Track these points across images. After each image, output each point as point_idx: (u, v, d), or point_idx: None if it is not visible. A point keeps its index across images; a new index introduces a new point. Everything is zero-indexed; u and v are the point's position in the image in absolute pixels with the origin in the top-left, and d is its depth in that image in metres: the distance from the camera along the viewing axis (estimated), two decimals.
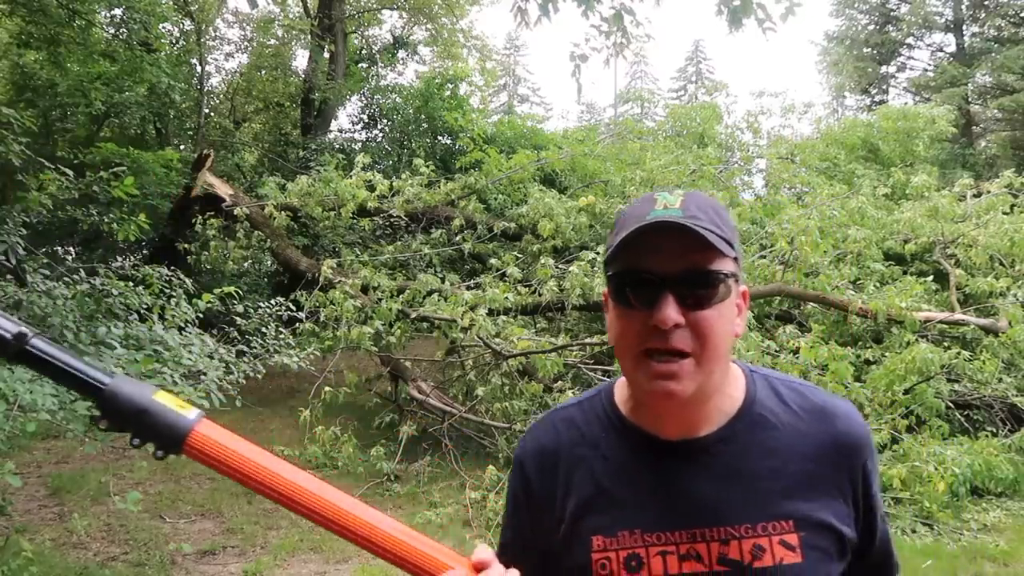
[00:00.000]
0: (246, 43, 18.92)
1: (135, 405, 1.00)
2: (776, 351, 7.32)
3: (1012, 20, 26.97)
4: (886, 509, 6.06)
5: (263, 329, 6.91)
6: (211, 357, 5.19)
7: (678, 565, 1.12)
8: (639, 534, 1.14)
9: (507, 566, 1.09)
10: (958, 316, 8.39)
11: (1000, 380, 7.68)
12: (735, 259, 1.12)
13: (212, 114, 17.90)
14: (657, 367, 1.07)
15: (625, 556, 1.14)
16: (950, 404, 7.48)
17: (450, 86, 16.89)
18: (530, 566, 1.15)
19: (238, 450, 1.05)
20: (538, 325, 9.44)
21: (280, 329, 7.13)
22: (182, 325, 5.59)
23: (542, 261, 8.31)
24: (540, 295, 8.19)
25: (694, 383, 1.09)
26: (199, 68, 17.11)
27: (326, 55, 16.85)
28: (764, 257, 9.28)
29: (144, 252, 12.66)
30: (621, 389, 1.25)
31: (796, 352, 7.29)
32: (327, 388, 7.39)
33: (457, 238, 9.77)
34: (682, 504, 1.15)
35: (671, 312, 1.05)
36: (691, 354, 1.07)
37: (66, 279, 5.61)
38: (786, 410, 1.21)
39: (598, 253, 8.06)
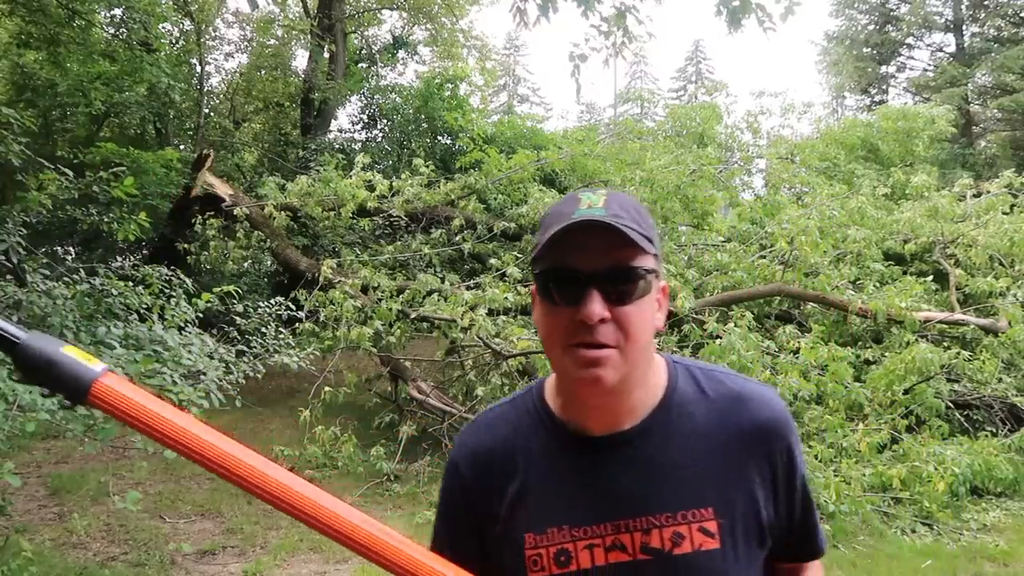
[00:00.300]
0: (246, 43, 18.93)
1: (45, 357, 1.04)
2: (776, 351, 7.33)
3: (1012, 20, 26.98)
4: (886, 508, 6.09)
5: (263, 329, 6.90)
6: (211, 357, 5.19)
7: (604, 556, 1.17)
8: (567, 529, 1.19)
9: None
10: (958, 316, 8.39)
11: (1000, 380, 7.68)
12: (655, 256, 1.16)
13: (212, 114, 17.89)
14: (584, 354, 1.11)
15: (555, 552, 1.18)
16: (950, 404, 7.48)
17: (450, 86, 16.89)
18: (463, 565, 1.16)
19: (141, 401, 1.07)
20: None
21: (280, 329, 7.13)
22: (182, 325, 5.59)
23: None
24: None
25: (619, 373, 1.13)
26: (199, 68, 17.11)
27: (326, 55, 16.84)
28: (764, 257, 9.29)
29: (144, 252, 12.65)
30: (550, 387, 1.29)
31: (796, 352, 7.29)
32: (327, 388, 7.39)
33: (457, 238, 9.76)
34: (607, 498, 1.19)
35: (597, 307, 1.09)
36: (615, 347, 1.12)
37: (66, 279, 5.61)
38: (705, 398, 1.24)
39: None
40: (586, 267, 1.11)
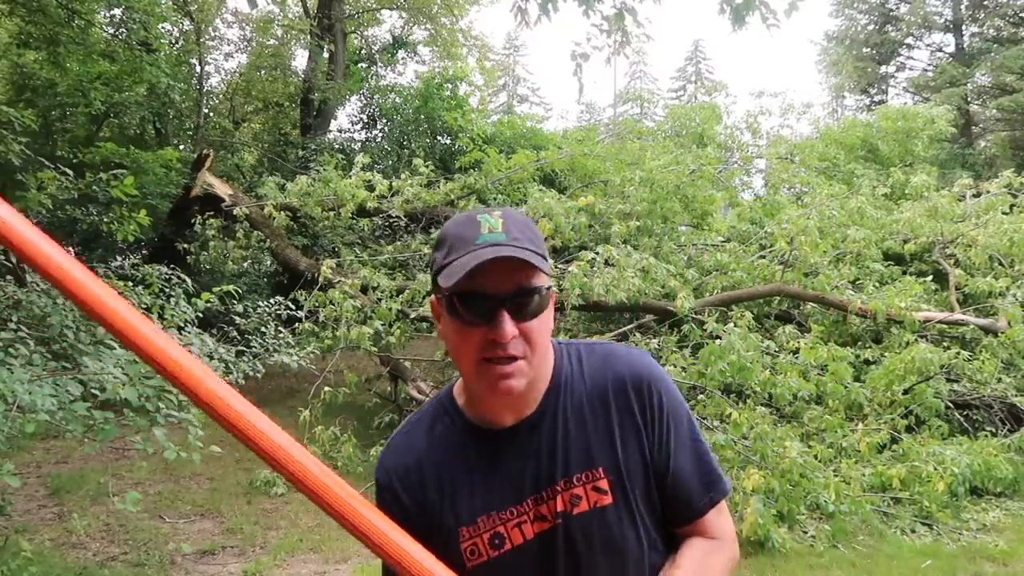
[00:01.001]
0: (245, 43, 18.93)
1: None
2: (776, 351, 7.33)
3: (1011, 20, 26.98)
4: (885, 508, 6.09)
5: (262, 329, 6.91)
6: (211, 357, 5.19)
7: (532, 530, 1.31)
8: (495, 515, 1.32)
9: None
10: (957, 316, 8.39)
11: (999, 380, 7.68)
12: (547, 272, 1.28)
13: (211, 114, 17.89)
14: (498, 369, 1.23)
15: (488, 537, 1.31)
16: (949, 404, 7.47)
17: (449, 86, 16.89)
18: None
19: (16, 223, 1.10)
20: None
21: (279, 328, 7.13)
22: (181, 325, 5.59)
23: None
24: None
25: (526, 379, 1.27)
26: (198, 68, 17.11)
27: (325, 55, 16.84)
28: (764, 257, 9.29)
29: (143, 252, 12.65)
30: (460, 392, 1.42)
31: (796, 352, 7.29)
32: (327, 388, 7.39)
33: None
34: (522, 478, 1.32)
35: (508, 327, 1.22)
36: (523, 358, 1.25)
37: None
38: (582, 370, 1.39)
39: (597, 253, 8.05)
40: (495, 291, 1.22)
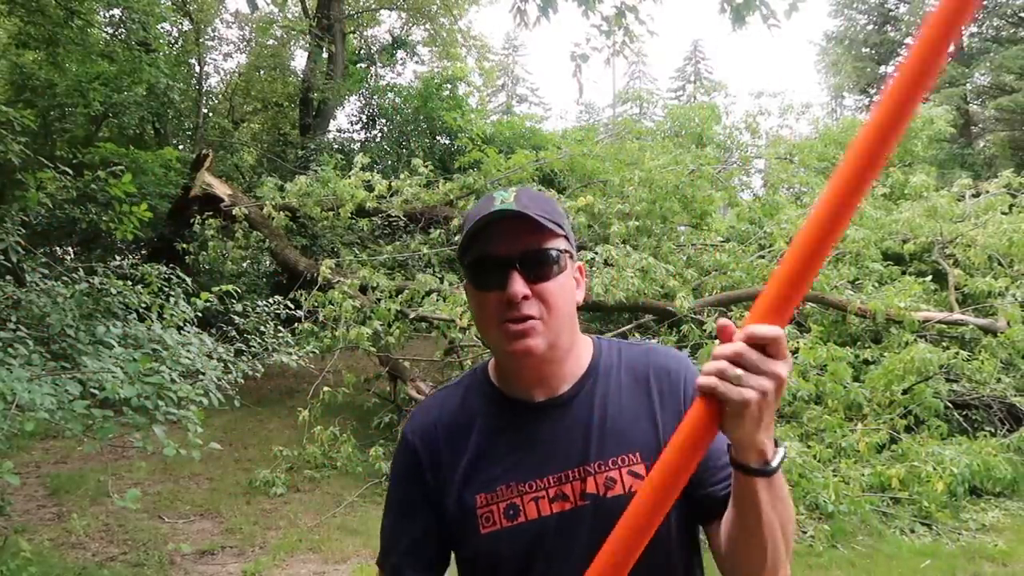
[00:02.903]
0: (245, 43, 18.93)
1: None
2: None
3: (1011, 20, 26.99)
4: (885, 508, 6.09)
5: (262, 328, 6.90)
6: (210, 356, 5.19)
7: (549, 507, 1.31)
8: (514, 486, 1.33)
9: (394, 536, 1.41)
10: (957, 316, 8.39)
11: (999, 380, 7.67)
12: (566, 238, 1.34)
13: (211, 114, 17.89)
14: (512, 328, 1.27)
15: (504, 507, 1.32)
16: (949, 404, 7.47)
17: (449, 86, 16.89)
18: (418, 529, 1.39)
19: None
20: None
21: (279, 328, 7.13)
22: (180, 324, 5.59)
23: None
24: None
25: (545, 340, 1.29)
26: (198, 68, 17.11)
27: (325, 55, 16.84)
28: (763, 257, 9.29)
29: (143, 252, 12.64)
30: (492, 367, 1.46)
31: (795, 352, 7.29)
32: (326, 388, 7.39)
33: (456, 238, 9.74)
34: (548, 454, 1.33)
35: (518, 287, 1.26)
36: (539, 318, 1.28)
37: (65, 278, 5.61)
38: (622, 360, 1.42)
39: (596, 253, 8.06)
40: (505, 253, 1.28)
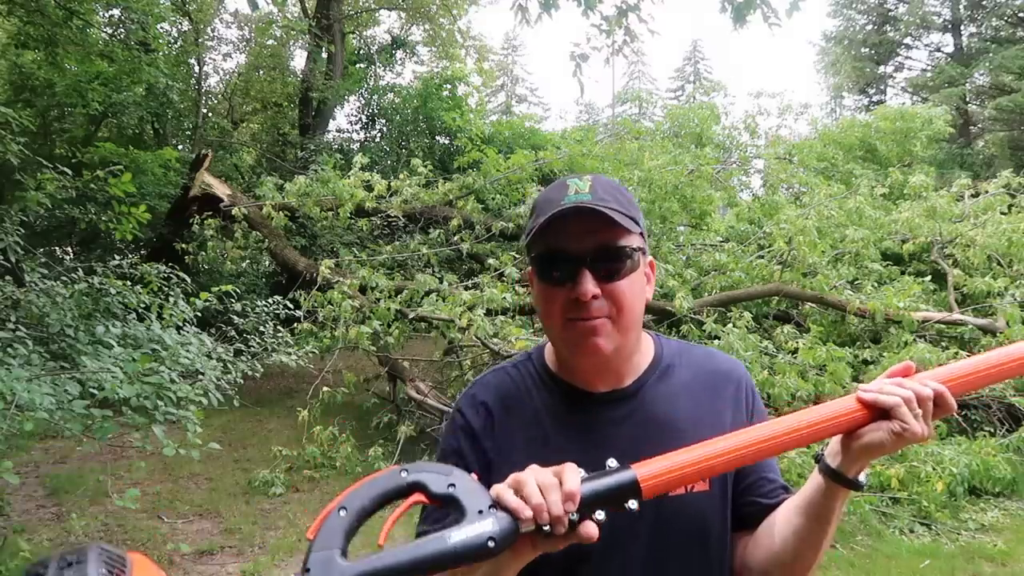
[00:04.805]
0: (244, 43, 18.93)
1: None
2: (774, 351, 7.33)
3: (1010, 20, 27.00)
4: (884, 508, 6.09)
5: (261, 328, 6.90)
6: (209, 356, 5.19)
7: None
8: None
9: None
10: (956, 316, 8.39)
11: None
12: (640, 235, 1.30)
13: (210, 114, 17.90)
14: (581, 325, 1.25)
15: None
16: None
17: (448, 86, 16.89)
18: None
19: None
20: (536, 325, 9.43)
21: (278, 328, 7.13)
22: (180, 324, 5.59)
23: None
24: None
25: (613, 342, 1.27)
26: (197, 68, 17.11)
27: (324, 55, 16.84)
28: (762, 257, 9.29)
29: (142, 252, 12.64)
30: (550, 352, 1.43)
31: (794, 352, 7.29)
32: (325, 388, 7.39)
33: (455, 238, 9.75)
34: (606, 444, 1.28)
35: (589, 286, 1.22)
36: (608, 318, 1.26)
37: (64, 278, 5.61)
38: (684, 361, 1.43)
39: None
40: (577, 249, 1.24)
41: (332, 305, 7.99)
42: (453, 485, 1.02)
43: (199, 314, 5.94)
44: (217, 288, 6.11)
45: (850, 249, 9.39)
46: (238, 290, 6.71)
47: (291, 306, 7.60)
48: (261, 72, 19.03)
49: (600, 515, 1.04)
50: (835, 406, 1.15)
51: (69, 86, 11.48)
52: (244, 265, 12.85)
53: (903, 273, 9.62)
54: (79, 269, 6.01)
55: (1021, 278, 8.93)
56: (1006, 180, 11.33)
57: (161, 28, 14.64)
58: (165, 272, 6.09)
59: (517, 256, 9.15)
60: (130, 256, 6.59)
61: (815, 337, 7.57)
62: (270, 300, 7.32)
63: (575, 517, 1.02)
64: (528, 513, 1.00)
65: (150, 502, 6.37)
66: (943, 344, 7.93)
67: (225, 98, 18.98)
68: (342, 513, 0.98)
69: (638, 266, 1.30)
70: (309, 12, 17.65)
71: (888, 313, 7.82)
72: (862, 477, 1.18)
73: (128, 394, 3.99)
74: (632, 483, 1.07)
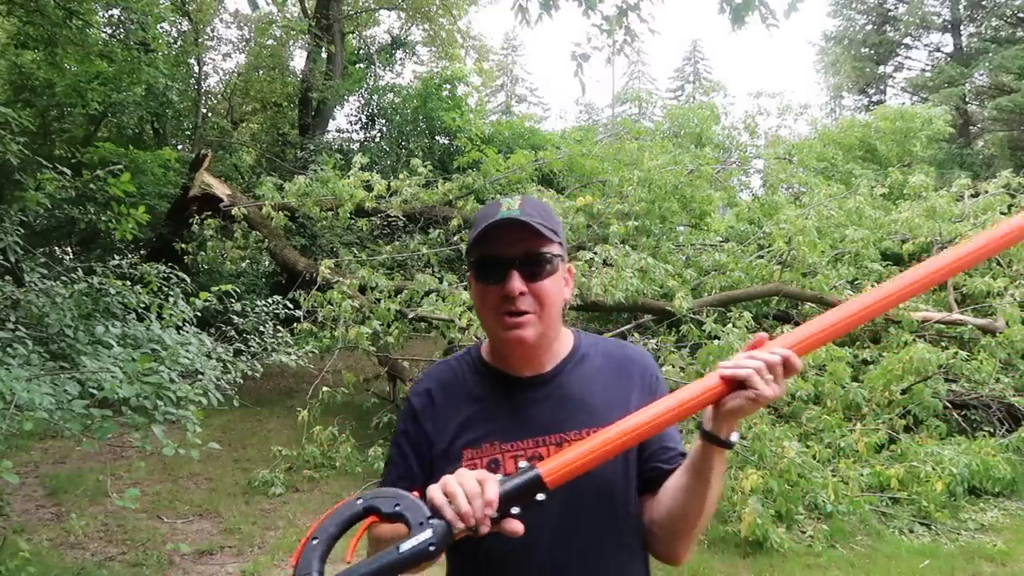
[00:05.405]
0: (244, 43, 18.91)
1: None
2: None
3: (1009, 20, 27.01)
4: (884, 508, 6.10)
5: (261, 328, 6.90)
6: (209, 356, 5.18)
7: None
8: (497, 444, 1.56)
9: (393, 483, 1.57)
10: (955, 316, 8.39)
11: (998, 380, 7.67)
12: (560, 244, 1.56)
13: (210, 114, 17.89)
14: (509, 320, 1.52)
15: (487, 461, 1.55)
16: (947, 404, 7.48)
17: (448, 86, 16.88)
18: (416, 478, 1.57)
19: None
20: None
21: (278, 328, 7.12)
22: (179, 324, 5.58)
23: None
24: None
25: (536, 332, 1.54)
26: (197, 68, 17.10)
27: (324, 55, 16.83)
28: (762, 257, 9.29)
29: (141, 252, 12.63)
30: (486, 347, 1.70)
31: None
32: (325, 388, 7.39)
33: (455, 238, 9.75)
34: (529, 420, 1.57)
35: (517, 284, 1.50)
36: (532, 312, 1.52)
37: (63, 278, 5.60)
38: (598, 351, 1.69)
39: (595, 253, 8.06)
40: (507, 254, 1.51)
41: (332, 305, 7.99)
42: (399, 504, 1.28)
43: (199, 314, 5.92)
44: (217, 288, 6.10)
45: (850, 249, 9.39)
46: (238, 290, 6.70)
47: (291, 306, 7.59)
48: (261, 72, 19.01)
49: (516, 509, 1.28)
50: (702, 383, 1.38)
51: (69, 86, 11.47)
52: (244, 265, 12.84)
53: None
54: (79, 269, 6.00)
55: (1021, 278, 8.92)
56: (1006, 180, 11.32)
57: (161, 28, 14.63)
58: (165, 272, 6.07)
59: None
60: (130, 256, 6.57)
61: None
62: (270, 300, 7.30)
63: (496, 516, 1.26)
64: (460, 525, 1.24)
65: (150, 502, 6.37)
66: (943, 344, 7.93)
67: (225, 98, 18.97)
68: (315, 542, 1.23)
69: (557, 269, 1.56)
70: (309, 12, 17.65)
71: (888, 313, 7.82)
72: (734, 437, 1.41)
73: (128, 394, 3.98)
74: (537, 480, 1.30)
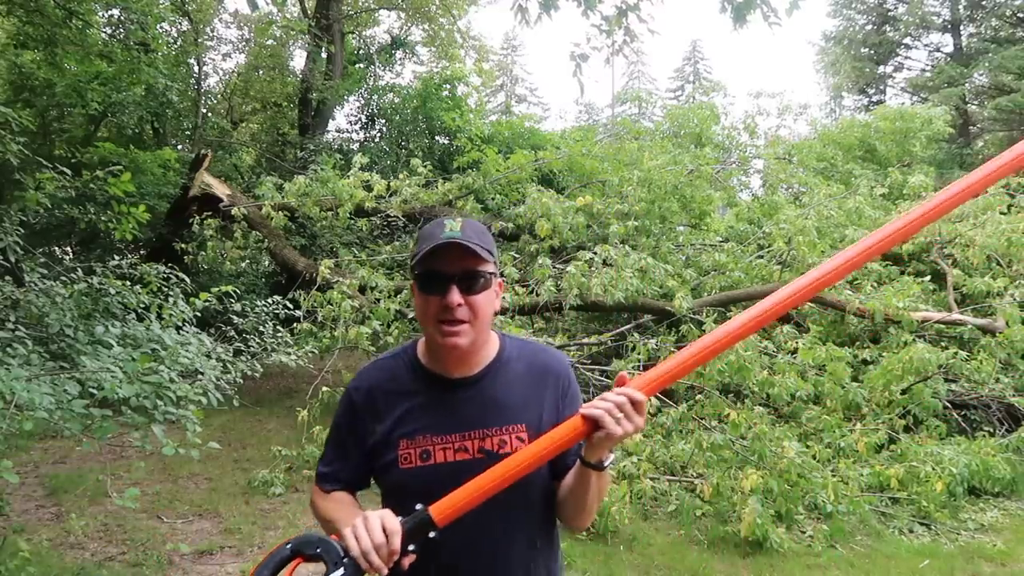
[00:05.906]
0: (243, 43, 18.90)
1: None
2: (774, 351, 7.33)
3: (1009, 20, 27.01)
4: (883, 508, 6.10)
5: (261, 328, 6.90)
6: (209, 356, 5.18)
7: (453, 455, 1.77)
8: (429, 437, 1.78)
9: (327, 457, 1.93)
10: (955, 316, 8.39)
11: (997, 380, 7.67)
12: (494, 263, 1.78)
13: (209, 114, 17.86)
14: (448, 328, 1.73)
15: (420, 451, 1.77)
16: (947, 404, 7.49)
17: (448, 87, 16.87)
18: (351, 467, 1.89)
19: None
20: (536, 325, 9.44)
21: (278, 328, 7.12)
22: (179, 324, 5.58)
23: (539, 261, 8.31)
24: (537, 295, 8.18)
25: (469, 339, 1.75)
26: (196, 68, 17.09)
27: (324, 55, 16.82)
28: (761, 257, 9.30)
29: (141, 252, 12.63)
30: (421, 347, 1.90)
31: (794, 352, 7.30)
32: (325, 388, 7.39)
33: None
34: (458, 417, 1.80)
35: (456, 297, 1.71)
36: (467, 322, 1.73)
37: (63, 278, 5.60)
38: (521, 355, 1.91)
39: (595, 253, 8.06)
40: (448, 270, 1.72)
41: (332, 305, 7.99)
42: (318, 547, 1.56)
43: (199, 314, 5.92)
44: (217, 288, 6.10)
45: None
46: (238, 290, 6.70)
47: (291, 306, 7.59)
48: (261, 72, 19.00)
49: (412, 547, 1.54)
50: (571, 423, 1.63)
51: (68, 86, 11.47)
52: (244, 265, 12.84)
53: (902, 273, 9.62)
54: (78, 269, 6.00)
55: (1020, 278, 8.92)
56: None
57: (160, 28, 14.63)
58: (165, 272, 6.07)
59: (517, 256, 9.15)
60: (129, 256, 6.57)
61: (814, 337, 7.58)
62: (270, 300, 7.31)
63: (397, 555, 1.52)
64: (365, 564, 1.50)
65: (150, 502, 6.37)
66: (943, 344, 7.93)
67: (225, 98, 18.96)
68: None
69: (490, 285, 1.78)
70: (309, 12, 17.63)
71: (887, 313, 7.82)
72: (607, 461, 1.69)
73: (127, 394, 3.98)
74: (427, 520, 1.55)
